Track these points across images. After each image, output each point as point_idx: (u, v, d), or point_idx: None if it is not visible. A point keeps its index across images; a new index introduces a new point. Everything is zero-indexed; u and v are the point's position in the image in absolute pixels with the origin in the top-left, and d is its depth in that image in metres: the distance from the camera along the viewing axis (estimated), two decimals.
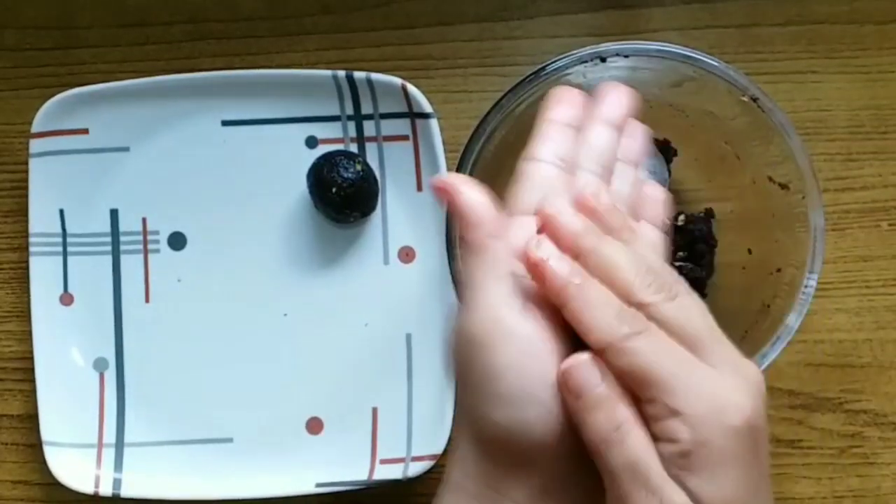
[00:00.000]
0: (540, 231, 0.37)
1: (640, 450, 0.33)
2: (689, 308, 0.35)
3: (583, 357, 0.34)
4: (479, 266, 0.38)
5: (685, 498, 0.32)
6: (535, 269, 0.36)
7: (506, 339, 0.35)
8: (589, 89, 0.46)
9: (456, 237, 0.52)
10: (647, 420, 0.33)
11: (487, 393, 0.35)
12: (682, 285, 0.36)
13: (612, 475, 0.33)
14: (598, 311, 0.34)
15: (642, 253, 0.37)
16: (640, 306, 0.35)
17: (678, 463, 0.33)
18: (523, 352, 0.35)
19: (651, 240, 0.41)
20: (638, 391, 0.34)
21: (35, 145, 0.60)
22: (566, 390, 0.34)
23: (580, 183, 0.40)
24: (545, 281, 0.35)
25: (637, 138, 0.44)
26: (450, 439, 0.58)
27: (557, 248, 0.36)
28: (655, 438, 0.33)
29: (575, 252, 0.36)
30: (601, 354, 0.34)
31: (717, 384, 0.34)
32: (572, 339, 0.36)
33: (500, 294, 0.36)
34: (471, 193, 0.39)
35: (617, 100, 0.44)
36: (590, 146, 0.42)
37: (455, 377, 0.38)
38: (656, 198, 0.44)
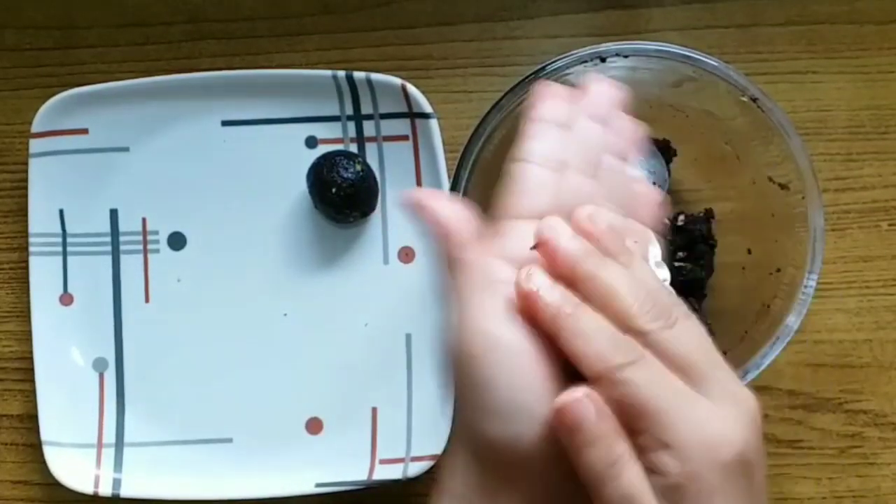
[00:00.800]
0: (535, 246, 0.36)
1: (635, 484, 0.33)
2: (687, 334, 0.35)
3: (577, 393, 0.33)
4: (464, 280, 0.37)
5: None
6: (525, 300, 0.35)
7: (494, 351, 0.35)
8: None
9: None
10: (638, 451, 0.33)
11: (479, 406, 0.35)
12: (681, 308, 0.36)
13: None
14: (592, 339, 0.34)
15: (641, 276, 0.36)
16: (637, 334, 0.34)
17: (669, 496, 0.32)
18: (513, 364, 0.35)
19: (650, 257, 0.41)
20: (630, 422, 0.33)
21: (35, 145, 0.60)
22: (560, 426, 0.33)
23: (571, 183, 0.39)
24: (537, 312, 0.35)
25: (625, 131, 0.43)
26: (449, 439, 0.58)
27: (553, 271, 0.36)
28: (647, 470, 0.33)
29: (571, 278, 0.35)
30: (595, 383, 0.34)
31: (710, 417, 0.33)
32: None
33: (487, 307, 0.36)
34: (445, 207, 0.39)
35: (602, 92, 0.43)
36: (576, 142, 0.41)
37: (454, 387, 0.38)
38: (652, 198, 0.43)
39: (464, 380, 0.35)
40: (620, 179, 0.42)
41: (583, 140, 0.41)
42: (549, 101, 0.42)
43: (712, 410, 0.33)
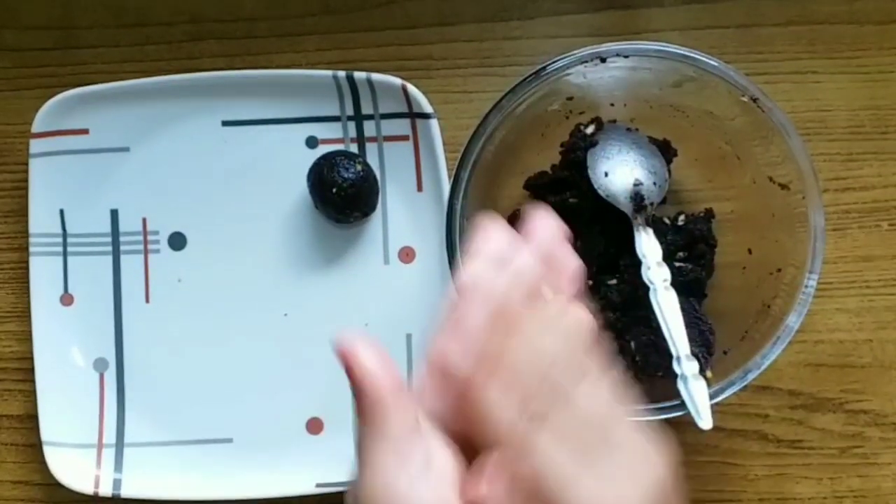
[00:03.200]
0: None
1: None
2: (593, 400, 0.35)
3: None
4: (370, 433, 0.35)
5: None
6: (438, 365, 0.36)
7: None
8: (587, 90, 0.44)
9: (456, 238, 0.52)
10: None
11: None
12: (594, 366, 0.36)
13: None
14: (498, 407, 0.34)
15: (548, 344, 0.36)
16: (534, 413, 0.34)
17: None
18: None
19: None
20: (529, 497, 0.33)
21: (35, 145, 0.60)
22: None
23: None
24: (451, 379, 0.35)
25: (564, 268, 0.41)
26: None
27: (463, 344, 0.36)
28: None
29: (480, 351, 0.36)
30: (502, 451, 0.34)
31: (615, 477, 0.34)
32: None
33: (396, 463, 0.35)
34: (367, 356, 0.37)
35: (545, 226, 0.41)
36: (511, 275, 0.39)
37: None
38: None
39: None
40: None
41: (517, 275, 0.39)
42: (489, 235, 0.40)
43: (617, 470, 0.34)
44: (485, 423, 0.35)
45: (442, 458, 0.35)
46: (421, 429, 0.36)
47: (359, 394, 0.36)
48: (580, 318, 0.38)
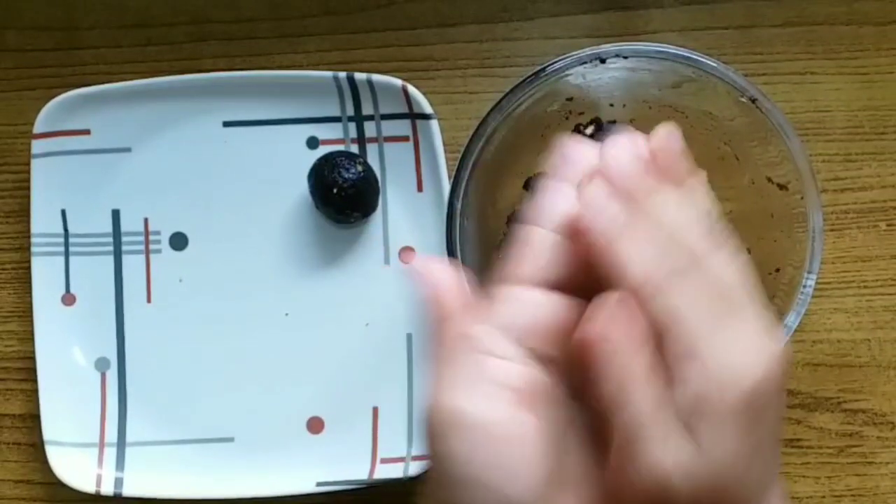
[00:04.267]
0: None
1: (654, 401, 0.33)
2: (730, 268, 0.35)
3: (610, 300, 0.34)
4: (445, 348, 0.36)
5: (691, 445, 0.33)
6: (585, 211, 0.35)
7: (462, 429, 0.34)
8: (587, 91, 0.45)
9: (456, 238, 0.52)
10: (664, 367, 0.33)
11: (449, 484, 0.35)
12: (726, 248, 0.36)
13: (624, 424, 0.33)
14: (642, 246, 0.34)
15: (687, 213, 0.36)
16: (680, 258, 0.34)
17: (685, 413, 0.33)
18: (487, 447, 0.34)
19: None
20: (661, 337, 0.33)
21: (37, 146, 0.60)
22: (583, 344, 0.34)
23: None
24: (590, 224, 0.35)
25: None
26: None
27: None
28: (668, 383, 0.33)
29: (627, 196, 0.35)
30: (634, 294, 0.34)
31: (739, 344, 0.33)
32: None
33: (463, 378, 0.35)
34: (440, 272, 0.38)
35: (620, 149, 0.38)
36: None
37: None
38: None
39: (433, 455, 0.35)
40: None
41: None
42: (574, 155, 0.39)
43: (743, 339, 0.34)
44: (619, 273, 0.34)
45: (510, 368, 0.35)
46: (486, 343, 0.36)
47: (433, 307, 0.37)
48: (708, 203, 0.38)
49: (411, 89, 0.59)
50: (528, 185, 0.59)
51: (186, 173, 0.61)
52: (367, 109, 0.60)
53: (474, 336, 0.36)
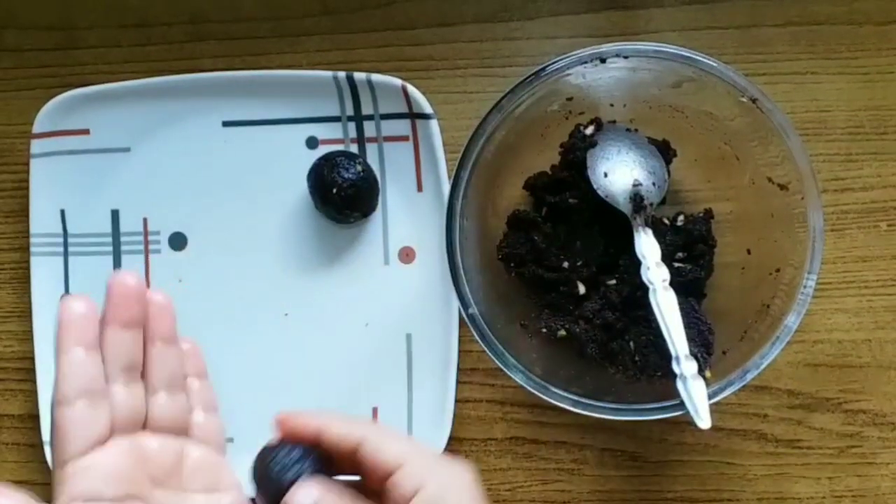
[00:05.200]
0: None
1: None
2: None
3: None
4: None
5: None
6: None
7: None
8: (587, 90, 0.44)
9: (456, 238, 0.52)
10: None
11: None
12: None
13: None
14: None
15: None
16: None
17: None
18: None
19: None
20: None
21: (36, 146, 0.60)
22: None
23: (119, 398, 0.40)
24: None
25: (161, 318, 0.43)
26: (450, 438, 0.58)
27: None
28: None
29: None
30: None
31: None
32: None
33: None
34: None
35: (124, 292, 0.41)
36: (109, 356, 0.40)
37: None
38: (201, 368, 0.47)
39: None
40: (172, 368, 0.44)
41: (116, 353, 0.41)
42: (72, 328, 0.40)
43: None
44: None
45: None
46: None
47: None
48: None
49: (411, 89, 0.59)
50: (528, 185, 0.59)
51: (186, 173, 0.61)
52: (366, 109, 0.60)
53: None
